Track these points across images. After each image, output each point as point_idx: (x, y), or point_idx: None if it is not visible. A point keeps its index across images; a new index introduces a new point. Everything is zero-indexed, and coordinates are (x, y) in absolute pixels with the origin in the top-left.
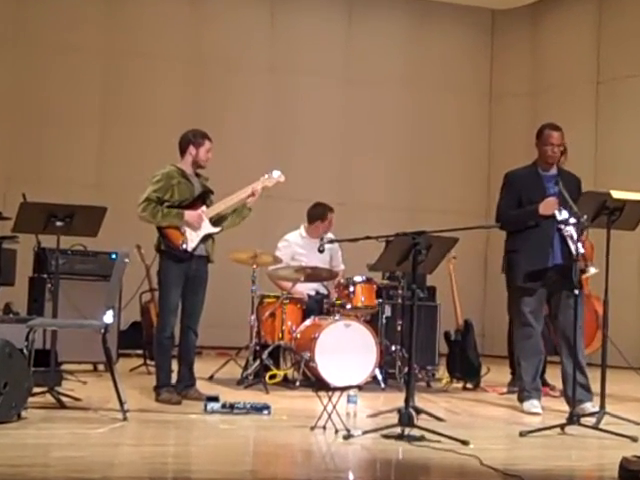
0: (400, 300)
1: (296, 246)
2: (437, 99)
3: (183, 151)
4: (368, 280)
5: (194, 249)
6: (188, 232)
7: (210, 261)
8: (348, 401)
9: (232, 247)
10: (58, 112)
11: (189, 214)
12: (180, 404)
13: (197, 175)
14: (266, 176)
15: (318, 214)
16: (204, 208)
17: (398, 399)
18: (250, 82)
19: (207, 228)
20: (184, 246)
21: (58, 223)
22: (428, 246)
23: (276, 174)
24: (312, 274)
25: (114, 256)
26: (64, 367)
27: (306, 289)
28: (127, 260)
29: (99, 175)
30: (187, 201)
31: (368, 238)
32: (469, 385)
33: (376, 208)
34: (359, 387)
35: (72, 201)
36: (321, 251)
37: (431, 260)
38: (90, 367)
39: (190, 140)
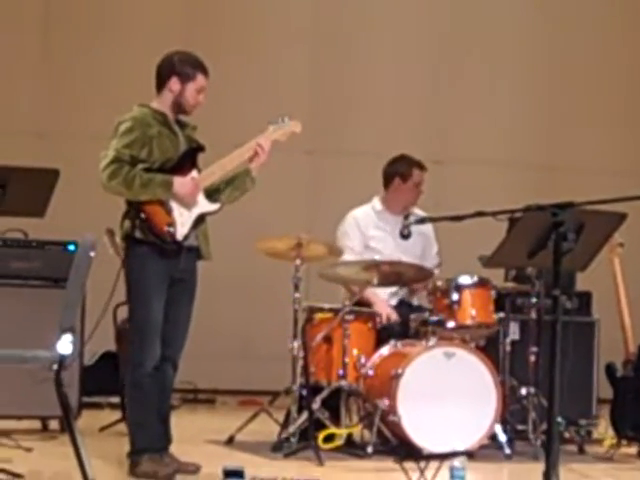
0: (534, 314)
1: (370, 227)
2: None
3: (162, 84)
4: (482, 282)
5: (185, 237)
6: (177, 211)
7: (203, 257)
8: (451, 477)
9: (262, 231)
10: None
11: (180, 182)
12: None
13: (179, 123)
14: (271, 128)
15: (397, 170)
16: (195, 173)
17: (532, 473)
18: None
19: (203, 205)
20: (171, 231)
21: None
22: (579, 226)
23: (289, 122)
24: (390, 273)
25: (72, 247)
26: None
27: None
28: (93, 254)
29: (45, 119)
30: (171, 162)
31: (481, 215)
32: None
33: (491, 166)
34: (469, 454)
35: (3, 159)
36: (405, 236)
37: (584, 249)
38: (37, 425)
39: (174, 68)
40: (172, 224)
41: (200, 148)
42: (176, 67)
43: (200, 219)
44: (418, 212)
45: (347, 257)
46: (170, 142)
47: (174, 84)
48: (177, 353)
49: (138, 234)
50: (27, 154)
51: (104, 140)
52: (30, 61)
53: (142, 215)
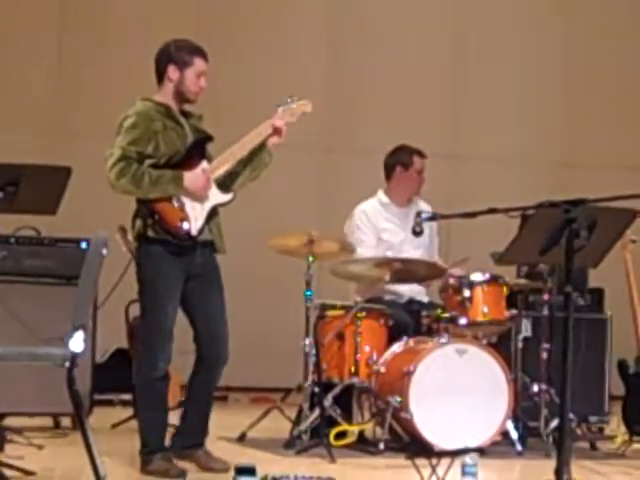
0: (547, 311)
1: (380, 220)
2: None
3: (161, 74)
4: (494, 279)
5: (200, 231)
6: (189, 205)
7: (217, 250)
8: (463, 473)
9: (273, 227)
10: None
11: (190, 177)
12: (184, 477)
13: (184, 113)
14: (280, 110)
15: (397, 159)
16: (204, 164)
17: (544, 469)
18: None
19: (216, 196)
20: (186, 227)
21: None
22: (591, 223)
23: (298, 102)
24: (403, 270)
25: (84, 245)
26: (7, 422)
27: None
28: (105, 252)
29: (58, 117)
30: (179, 155)
31: (493, 212)
32: None
33: (504, 163)
34: (480, 451)
35: (15, 157)
36: (417, 233)
37: (596, 246)
38: (49, 422)
39: (170, 56)
40: (185, 219)
41: (208, 138)
42: (172, 55)
43: (213, 211)
44: (423, 204)
45: (362, 251)
46: (176, 134)
47: (172, 72)
48: (222, 348)
49: (151, 233)
50: (40, 152)
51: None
52: (44, 60)
53: (154, 213)
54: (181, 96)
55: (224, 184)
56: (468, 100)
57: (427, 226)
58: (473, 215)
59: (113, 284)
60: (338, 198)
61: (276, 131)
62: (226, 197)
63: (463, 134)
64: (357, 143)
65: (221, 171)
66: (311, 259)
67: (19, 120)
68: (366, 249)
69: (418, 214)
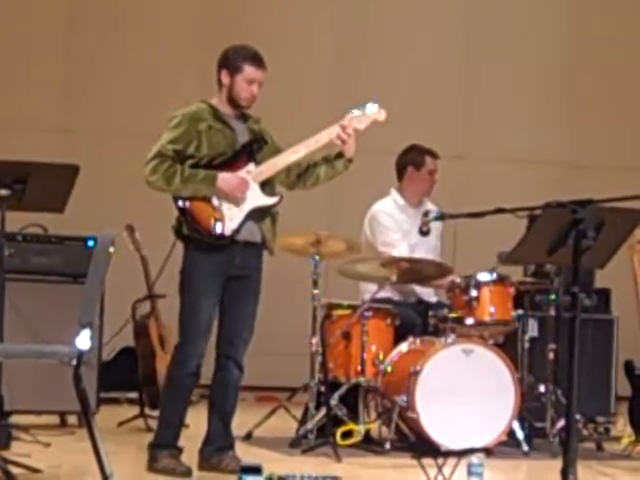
0: (553, 311)
1: (401, 222)
2: None
3: (218, 78)
4: (501, 279)
5: (236, 231)
6: (225, 205)
7: (267, 250)
8: (469, 473)
9: (281, 227)
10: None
11: (225, 178)
12: (190, 477)
13: (242, 117)
14: (354, 112)
15: (409, 159)
16: (251, 167)
17: (550, 470)
18: None
19: (257, 199)
20: (218, 228)
21: (2, 191)
22: (599, 224)
23: (371, 109)
24: (409, 270)
25: (91, 243)
26: (14, 420)
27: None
28: (112, 250)
29: (66, 116)
30: (224, 156)
31: (501, 212)
32: None
33: (511, 163)
34: (487, 451)
35: (25, 155)
36: (424, 232)
37: (603, 246)
38: (55, 420)
39: (224, 62)
40: (219, 219)
41: (261, 140)
42: (225, 60)
43: (257, 213)
44: (431, 206)
45: (398, 252)
46: (222, 136)
47: (224, 77)
48: (238, 352)
49: (185, 231)
50: (49, 150)
51: (125, 136)
52: (53, 59)
53: (186, 211)
54: (232, 100)
55: (291, 183)
56: (477, 101)
57: (434, 227)
58: (481, 215)
59: (118, 284)
60: (345, 198)
61: (344, 136)
62: (268, 200)
63: (472, 134)
64: (365, 143)
65: (268, 174)
66: (318, 258)
67: (27, 119)
68: (401, 249)
69: (425, 213)
